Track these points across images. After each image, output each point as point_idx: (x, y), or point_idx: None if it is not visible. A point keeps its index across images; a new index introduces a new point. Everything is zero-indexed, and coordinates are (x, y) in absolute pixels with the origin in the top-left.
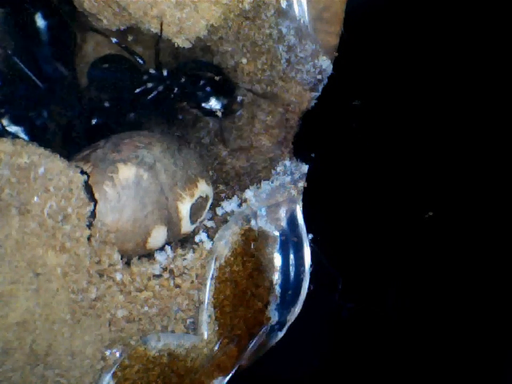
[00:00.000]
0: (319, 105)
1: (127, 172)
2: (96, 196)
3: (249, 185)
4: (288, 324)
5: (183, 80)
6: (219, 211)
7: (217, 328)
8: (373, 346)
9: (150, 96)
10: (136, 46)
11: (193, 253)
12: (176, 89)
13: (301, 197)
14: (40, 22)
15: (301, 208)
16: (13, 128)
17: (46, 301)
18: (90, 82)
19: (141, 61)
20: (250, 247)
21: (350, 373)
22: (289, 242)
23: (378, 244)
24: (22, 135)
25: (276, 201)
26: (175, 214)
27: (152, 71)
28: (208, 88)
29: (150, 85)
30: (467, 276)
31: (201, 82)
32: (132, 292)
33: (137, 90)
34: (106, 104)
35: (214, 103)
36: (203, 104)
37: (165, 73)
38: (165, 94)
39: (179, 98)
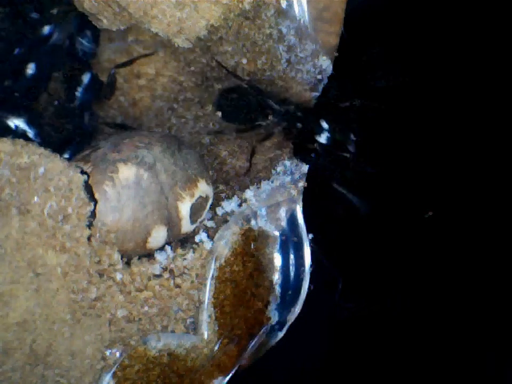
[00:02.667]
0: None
1: (127, 172)
2: (96, 195)
3: (249, 185)
4: (288, 323)
5: (299, 114)
6: (219, 211)
7: (217, 328)
8: (373, 347)
9: (276, 129)
10: (136, 46)
11: (193, 253)
12: (297, 124)
13: (301, 197)
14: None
15: (301, 208)
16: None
17: (46, 301)
18: (217, 109)
19: (274, 105)
20: (250, 247)
21: (350, 373)
22: (289, 242)
23: (379, 243)
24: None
25: (276, 201)
26: (175, 214)
27: (275, 106)
28: (324, 125)
29: (274, 119)
30: (467, 276)
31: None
32: (131, 291)
33: (258, 122)
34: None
35: (326, 138)
36: (318, 139)
37: (282, 109)
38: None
39: (297, 133)
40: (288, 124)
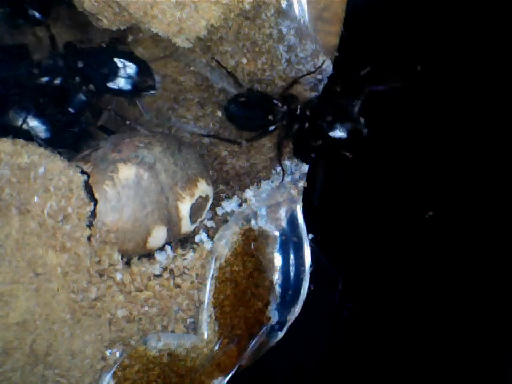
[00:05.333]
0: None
1: (127, 172)
2: (96, 195)
3: (249, 185)
4: (288, 323)
5: (307, 113)
6: (219, 211)
7: (217, 328)
8: (373, 346)
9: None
10: (136, 46)
11: (193, 252)
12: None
13: (301, 197)
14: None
15: (301, 208)
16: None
17: (46, 301)
18: (227, 115)
19: (278, 102)
20: (250, 247)
21: (350, 373)
22: (289, 242)
23: (378, 243)
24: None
25: (276, 201)
26: (175, 214)
27: (283, 108)
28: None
29: (284, 120)
30: (467, 276)
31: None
32: (132, 291)
33: (271, 128)
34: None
35: (339, 131)
36: (331, 134)
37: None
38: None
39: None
40: (298, 123)
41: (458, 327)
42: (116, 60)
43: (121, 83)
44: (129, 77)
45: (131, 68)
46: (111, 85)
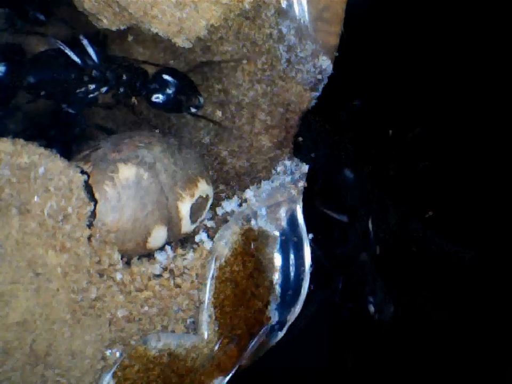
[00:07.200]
0: (319, 105)
1: (127, 172)
2: (96, 195)
3: (249, 185)
4: (288, 323)
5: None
6: (219, 211)
7: (217, 328)
8: (373, 346)
9: None
10: (136, 46)
11: (194, 252)
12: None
13: (301, 197)
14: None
15: (301, 208)
16: None
17: (46, 301)
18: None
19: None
20: (251, 247)
21: (350, 373)
22: (289, 242)
23: (378, 243)
24: None
25: (276, 201)
26: (175, 214)
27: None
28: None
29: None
30: (467, 276)
31: None
32: (132, 291)
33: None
34: None
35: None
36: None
37: None
38: None
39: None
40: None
41: (459, 325)
42: (163, 76)
43: (166, 99)
44: (175, 94)
45: (177, 85)
46: (155, 100)
